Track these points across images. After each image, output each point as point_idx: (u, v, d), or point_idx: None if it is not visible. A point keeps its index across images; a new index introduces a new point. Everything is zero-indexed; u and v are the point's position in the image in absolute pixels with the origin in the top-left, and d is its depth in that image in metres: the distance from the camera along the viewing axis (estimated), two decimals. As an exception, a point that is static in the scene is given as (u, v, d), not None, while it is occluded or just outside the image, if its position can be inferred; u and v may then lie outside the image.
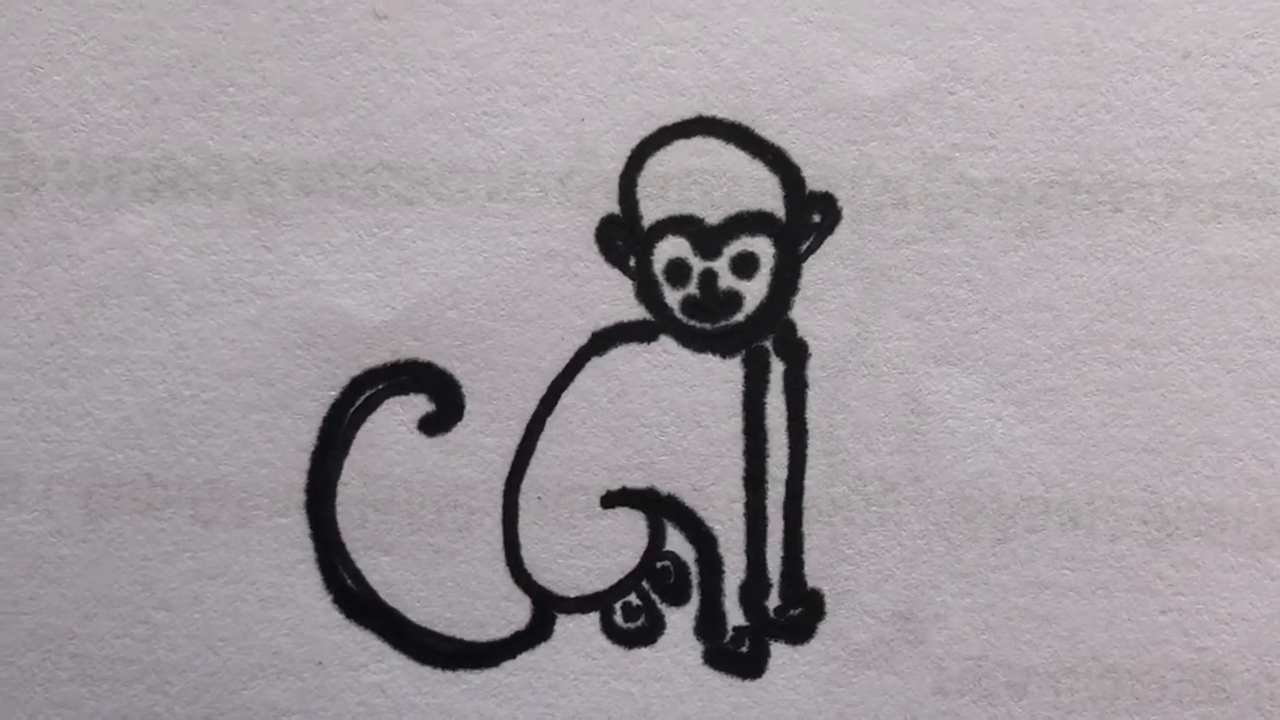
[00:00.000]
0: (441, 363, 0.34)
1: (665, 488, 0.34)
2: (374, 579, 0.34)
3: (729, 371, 0.34)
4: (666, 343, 0.34)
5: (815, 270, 0.34)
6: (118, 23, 0.34)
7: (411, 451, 0.34)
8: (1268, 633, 0.33)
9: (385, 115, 0.34)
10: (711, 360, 0.34)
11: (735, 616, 0.34)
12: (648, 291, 0.34)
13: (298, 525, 0.34)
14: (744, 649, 0.34)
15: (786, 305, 0.34)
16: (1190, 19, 0.34)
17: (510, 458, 0.34)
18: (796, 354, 0.34)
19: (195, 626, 0.34)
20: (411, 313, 0.34)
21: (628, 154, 0.34)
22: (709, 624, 0.34)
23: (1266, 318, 0.33)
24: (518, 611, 0.34)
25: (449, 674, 0.34)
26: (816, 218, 0.34)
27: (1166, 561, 0.33)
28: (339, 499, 0.34)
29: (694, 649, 0.34)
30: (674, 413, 0.34)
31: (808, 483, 0.34)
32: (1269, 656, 0.33)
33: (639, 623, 0.34)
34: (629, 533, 0.34)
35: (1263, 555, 0.33)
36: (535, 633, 0.34)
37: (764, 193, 0.34)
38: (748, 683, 0.34)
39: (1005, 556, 0.33)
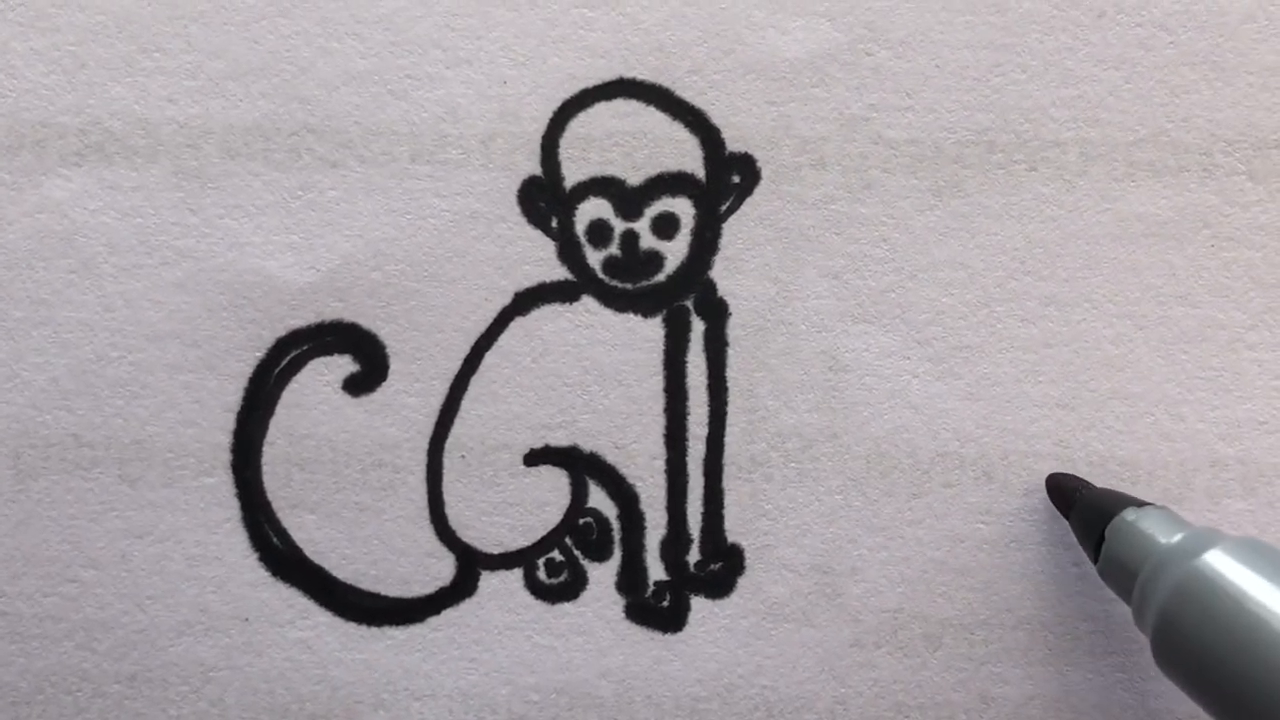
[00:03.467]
0: (365, 323, 0.34)
1: (587, 445, 0.34)
2: (299, 537, 0.34)
3: (650, 331, 0.34)
4: (588, 302, 0.35)
5: (735, 230, 0.34)
6: (42, -12, 0.34)
7: (336, 411, 0.34)
8: (1179, 584, 0.34)
9: (309, 79, 0.35)
10: (633, 320, 0.34)
11: (656, 571, 0.34)
12: (570, 252, 0.35)
13: (224, 484, 0.34)
14: (665, 603, 0.34)
15: (707, 265, 0.34)
16: (1103, -21, 0.34)
17: (434, 417, 0.34)
18: (716, 313, 0.34)
19: (123, 584, 0.34)
20: (335, 274, 0.34)
21: (549, 116, 0.34)
22: (630, 579, 0.34)
23: (1178, 274, 0.34)
24: (442, 568, 0.34)
25: (374, 630, 0.34)
26: (736, 179, 0.34)
27: (1079, 515, 0.34)
28: (264, 458, 0.34)
29: (616, 604, 0.34)
30: (596, 372, 0.34)
31: (727, 440, 0.34)
32: (1180, 607, 0.34)
33: (562, 578, 0.34)
34: (552, 490, 0.34)
35: (1173, 507, 0.33)
36: (459, 589, 0.34)
37: (684, 154, 0.34)
38: (668, 636, 0.34)
39: (921, 511, 0.34)
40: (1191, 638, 0.26)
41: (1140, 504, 0.30)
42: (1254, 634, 0.25)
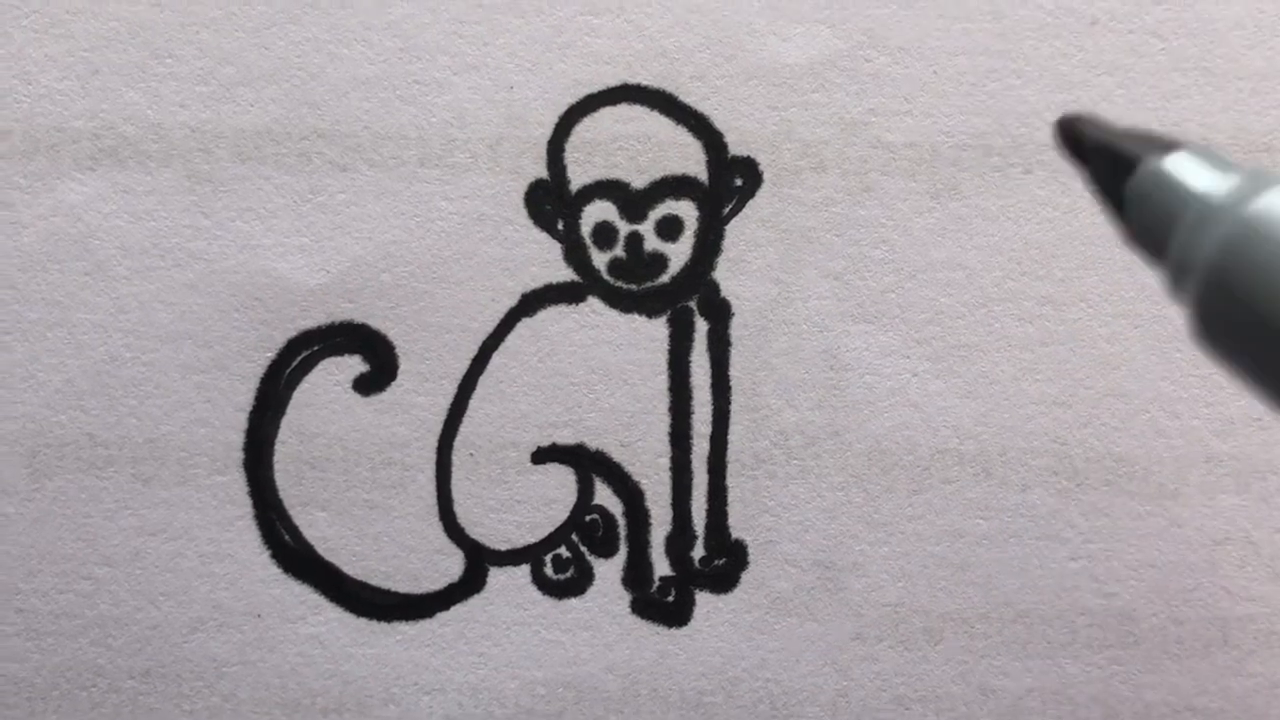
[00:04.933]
0: (375, 324, 0.35)
1: (594, 444, 0.35)
2: (311, 534, 0.35)
3: (654, 331, 0.35)
4: (594, 303, 0.35)
5: (737, 232, 0.35)
6: (57, -5, 0.35)
7: (347, 411, 0.35)
8: (1174, 578, 0.34)
9: (319, 84, 0.35)
10: (638, 320, 0.35)
11: (661, 567, 0.35)
12: (575, 254, 0.35)
13: (236, 483, 0.35)
14: (670, 598, 0.35)
15: (710, 266, 0.35)
16: (1096, -14, 0.35)
17: (443, 416, 0.35)
18: (720, 313, 0.35)
19: (137, 581, 0.35)
20: (346, 276, 0.35)
21: (555, 121, 0.35)
22: (636, 574, 0.35)
23: (1171, 274, 0.35)
24: (451, 564, 0.35)
25: (384, 625, 0.35)
26: (738, 182, 0.35)
27: (1076, 510, 0.34)
28: (276, 457, 0.35)
29: (622, 599, 0.35)
30: (602, 371, 0.35)
31: (731, 438, 0.35)
32: (1176, 602, 0.34)
33: (568, 574, 0.35)
34: (558, 487, 0.35)
35: (1169, 504, 0.34)
36: (468, 585, 0.35)
37: (687, 158, 0.35)
38: (674, 631, 0.35)
39: (921, 507, 0.35)
40: (1252, 302, 0.21)
41: (1172, 145, 0.23)
42: None
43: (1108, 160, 0.24)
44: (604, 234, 0.35)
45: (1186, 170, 0.23)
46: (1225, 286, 0.21)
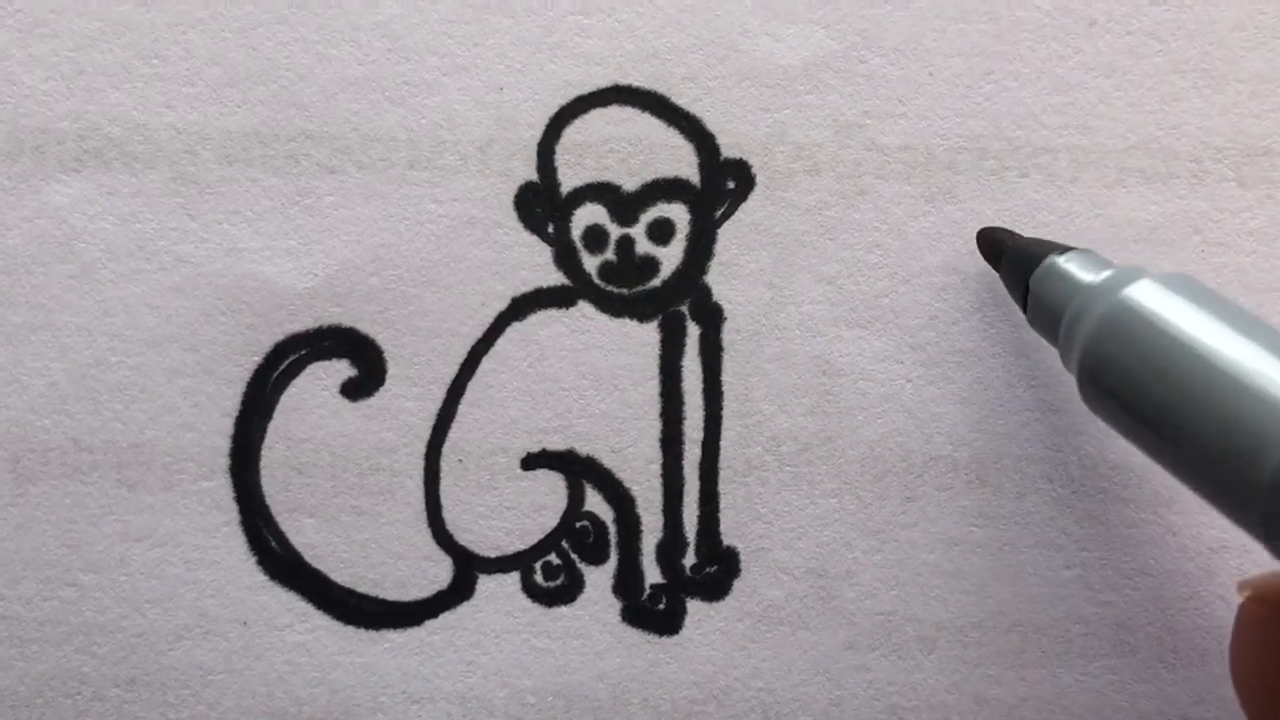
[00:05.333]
0: (363, 328, 0.35)
1: (584, 450, 0.35)
2: (298, 541, 0.35)
3: (646, 336, 0.35)
4: (585, 308, 0.35)
5: (730, 236, 0.35)
6: (41, -5, 0.35)
7: (334, 416, 0.35)
8: (1170, 587, 0.34)
9: (307, 85, 0.35)
10: (629, 325, 0.35)
11: (652, 575, 0.35)
12: (566, 258, 0.35)
13: (222, 489, 0.34)
14: (661, 606, 0.35)
15: (702, 270, 0.35)
16: (1094, -12, 0.34)
17: (431, 421, 0.35)
18: (712, 318, 0.35)
19: (122, 588, 0.34)
20: (333, 279, 0.35)
21: (546, 122, 0.35)
22: (627, 582, 0.35)
23: (1169, 280, 0.34)
24: (439, 571, 0.35)
25: (372, 633, 0.34)
26: (731, 184, 0.35)
27: (1071, 518, 0.34)
28: (263, 463, 0.35)
29: (612, 607, 0.35)
30: (592, 376, 0.35)
31: (723, 444, 0.35)
32: (1171, 610, 0.34)
33: (559, 581, 0.35)
34: (548, 494, 0.35)
35: (1164, 511, 0.34)
36: (457, 592, 0.35)
37: (679, 160, 0.35)
38: (665, 639, 0.34)
39: (914, 514, 0.34)
40: (1118, 372, 0.26)
41: (1066, 249, 0.30)
42: (1179, 363, 0.24)
43: (1017, 260, 0.31)
44: (595, 237, 0.35)
45: (1075, 267, 0.29)
46: (1100, 357, 0.26)
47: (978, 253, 0.34)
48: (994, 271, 0.33)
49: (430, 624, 0.35)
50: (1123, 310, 0.26)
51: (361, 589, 0.35)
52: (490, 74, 0.35)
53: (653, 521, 0.35)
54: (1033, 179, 0.34)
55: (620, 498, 0.35)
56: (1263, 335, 0.24)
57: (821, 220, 0.35)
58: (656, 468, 0.35)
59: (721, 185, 0.35)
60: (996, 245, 0.32)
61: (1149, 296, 0.26)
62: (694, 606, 0.35)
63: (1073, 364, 0.28)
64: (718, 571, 0.35)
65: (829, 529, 0.34)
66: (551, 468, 0.35)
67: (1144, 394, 0.25)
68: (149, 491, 0.34)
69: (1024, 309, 0.31)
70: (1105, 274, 0.28)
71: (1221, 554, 0.34)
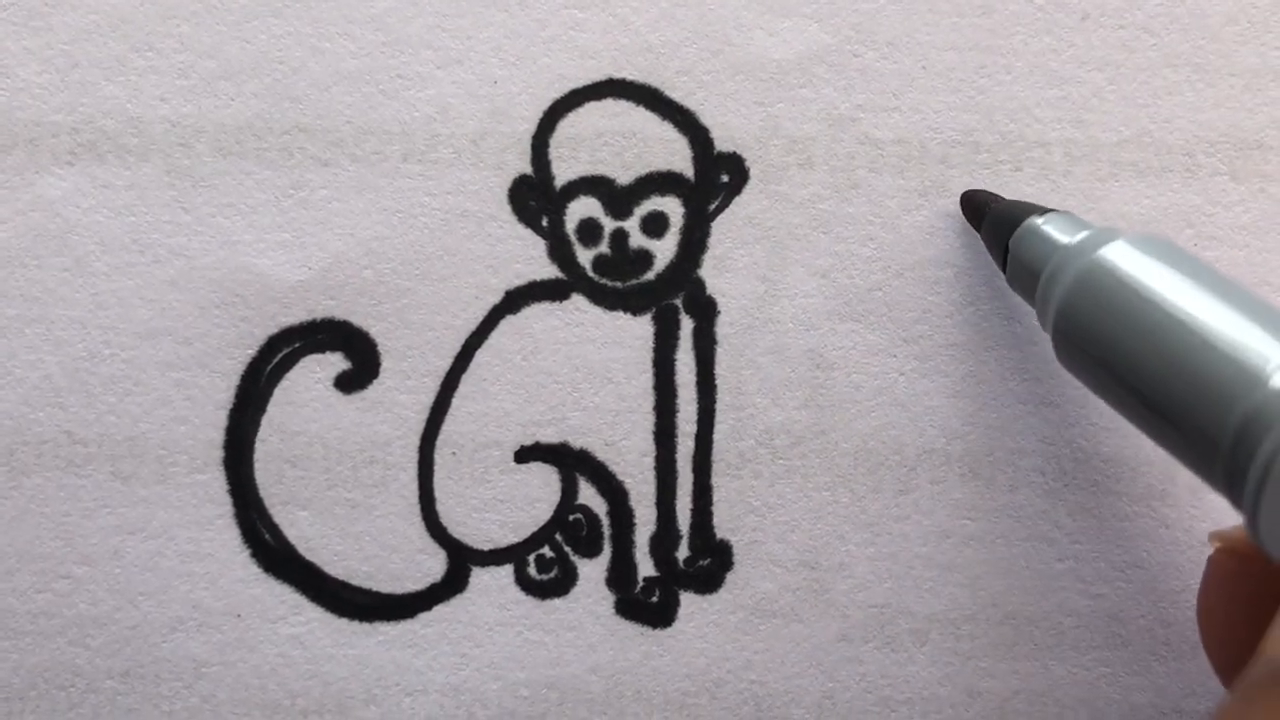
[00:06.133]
0: (357, 321, 0.35)
1: (577, 443, 0.35)
2: (291, 533, 0.35)
3: (639, 329, 0.35)
4: (578, 301, 0.35)
5: (723, 229, 0.35)
6: (35, -13, 0.35)
7: (328, 408, 0.35)
8: (1162, 579, 0.34)
9: (301, 79, 0.35)
10: (622, 318, 0.35)
11: (646, 567, 0.35)
12: (560, 251, 0.35)
13: (216, 481, 0.35)
14: (654, 599, 0.35)
15: (695, 264, 0.35)
16: (1087, -19, 0.35)
17: (425, 414, 0.35)
18: (705, 311, 0.35)
19: (116, 581, 0.34)
20: (327, 272, 0.35)
21: (539, 116, 0.35)
22: (620, 575, 0.35)
23: (1161, 273, 0.34)
24: (433, 564, 0.35)
25: (365, 625, 0.35)
26: (724, 178, 0.35)
27: (1063, 511, 0.34)
28: (257, 455, 0.35)
29: (606, 599, 0.35)
30: (586, 369, 0.35)
31: (716, 437, 0.35)
32: (1163, 603, 0.34)
33: (552, 574, 0.35)
34: (542, 487, 0.35)
35: (1156, 504, 0.34)
36: (450, 585, 0.35)
37: (673, 154, 0.35)
38: (658, 631, 0.35)
39: (907, 507, 0.34)
40: (1091, 329, 0.26)
41: (1046, 210, 0.30)
42: (1149, 321, 0.25)
43: (998, 222, 0.31)
44: (589, 230, 0.35)
45: (1054, 228, 0.29)
46: (1074, 316, 0.27)
47: (971, 245, 0.34)
48: (995, 275, 0.33)
49: (423, 616, 0.35)
50: (1097, 269, 0.27)
51: (355, 581, 0.35)
52: (484, 67, 0.35)
53: (646, 514, 0.35)
54: (1026, 173, 0.34)
55: (613, 490, 0.35)
56: (1233, 295, 0.25)
57: (815, 214, 0.35)
58: (650, 460, 0.35)
59: (715, 179, 0.35)
60: (979, 207, 0.33)
61: (1123, 257, 0.27)
62: (687, 599, 0.35)
63: (1048, 323, 0.28)
64: (711, 564, 0.35)
65: (822, 522, 0.34)
66: (545, 460, 0.35)
67: (1115, 351, 0.26)
68: (143, 484, 0.34)
69: (1004, 269, 0.31)
70: (1082, 234, 0.28)
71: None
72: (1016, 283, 0.31)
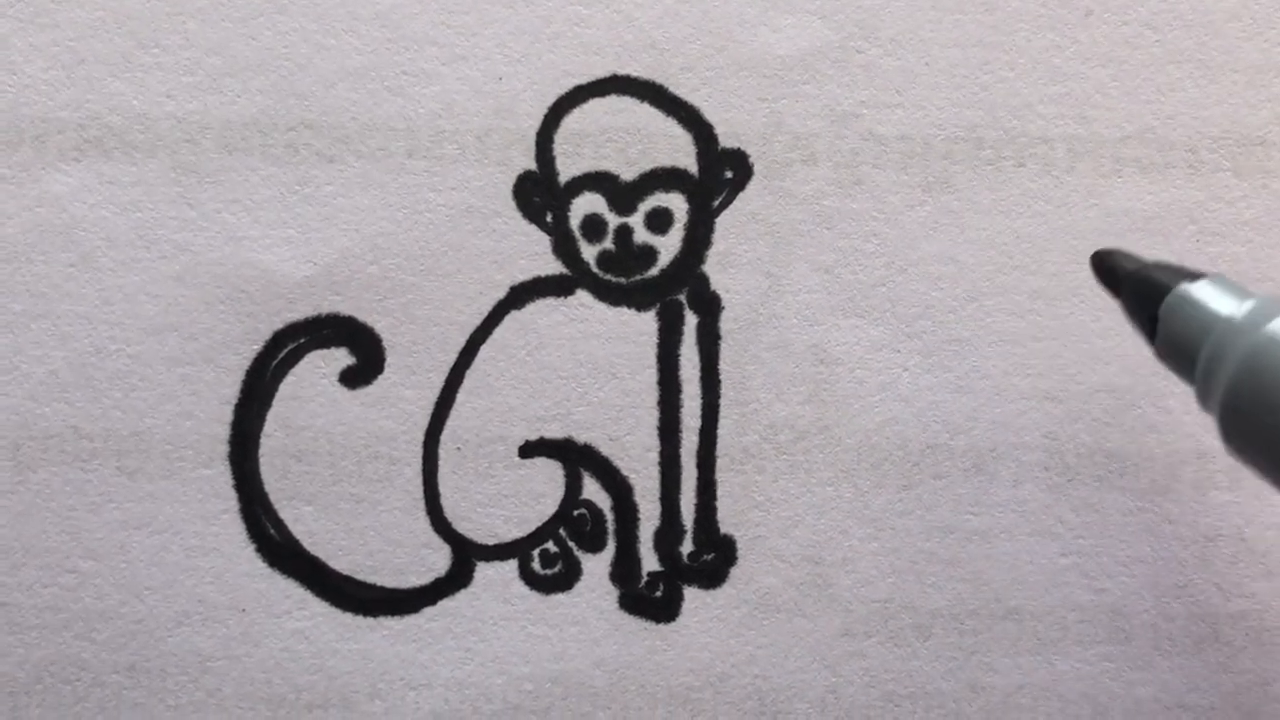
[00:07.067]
0: (362, 317, 0.35)
1: (582, 438, 0.35)
2: (296, 528, 0.35)
3: (644, 324, 0.35)
4: (583, 296, 0.35)
5: (727, 225, 0.35)
6: (41, -16, 0.35)
7: (333, 404, 0.35)
8: (1165, 574, 0.34)
9: (306, 75, 0.35)
10: (627, 313, 0.35)
11: (650, 562, 0.35)
12: (564, 246, 0.35)
13: (221, 476, 0.35)
14: (658, 594, 0.35)
15: (700, 259, 0.35)
16: (1090, -22, 0.35)
17: (430, 409, 0.35)
18: (709, 307, 0.35)
19: (121, 575, 0.34)
20: (333, 268, 0.35)
21: (544, 112, 0.35)
22: (624, 570, 0.35)
23: (1164, 269, 0.34)
24: (437, 559, 0.35)
25: (370, 620, 0.35)
26: (728, 174, 0.35)
27: (1067, 506, 0.34)
28: (262, 450, 0.35)
29: (610, 594, 0.35)
30: (590, 365, 0.35)
31: (720, 432, 0.35)
32: (1166, 598, 0.34)
33: (556, 569, 0.35)
34: (546, 482, 0.35)
35: (1160, 499, 0.34)
36: (455, 579, 0.35)
37: (677, 150, 0.35)
38: (662, 626, 0.35)
39: (911, 502, 0.34)
40: (1264, 411, 0.24)
41: (1196, 275, 0.27)
42: None
43: (1140, 288, 0.28)
44: (593, 226, 0.35)
45: (1210, 296, 0.26)
46: (1245, 397, 0.24)
47: (974, 241, 0.34)
48: (998, 271, 0.33)
49: (428, 611, 0.35)
50: (1268, 346, 0.24)
51: (360, 576, 0.35)
52: (489, 64, 0.35)
53: (650, 509, 0.35)
54: (1029, 168, 0.35)
55: (618, 486, 0.35)
56: None
57: (818, 210, 0.35)
58: (654, 456, 0.35)
59: (719, 175, 0.35)
60: (1115, 271, 0.29)
61: None
62: (691, 594, 0.35)
63: (1214, 405, 0.26)
64: (715, 559, 0.35)
65: (825, 517, 0.34)
66: (549, 456, 0.35)
67: None
68: (149, 479, 0.35)
69: (1149, 339, 0.28)
70: (1247, 305, 0.26)
71: (1216, 542, 0.34)
72: (1169, 358, 0.27)
